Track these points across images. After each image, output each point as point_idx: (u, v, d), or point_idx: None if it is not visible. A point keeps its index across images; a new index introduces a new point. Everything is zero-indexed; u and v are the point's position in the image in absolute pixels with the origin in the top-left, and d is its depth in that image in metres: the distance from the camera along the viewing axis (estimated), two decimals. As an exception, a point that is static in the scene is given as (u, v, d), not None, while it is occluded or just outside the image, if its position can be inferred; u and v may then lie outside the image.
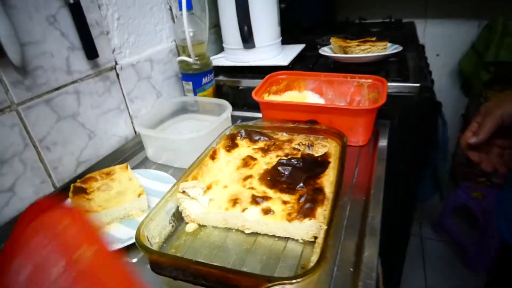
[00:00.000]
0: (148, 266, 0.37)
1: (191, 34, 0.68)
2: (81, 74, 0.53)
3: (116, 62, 0.61)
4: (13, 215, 0.45)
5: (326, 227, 0.36)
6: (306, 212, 0.41)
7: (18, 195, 0.46)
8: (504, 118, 0.43)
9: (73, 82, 0.52)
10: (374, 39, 0.74)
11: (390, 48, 0.72)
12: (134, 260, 0.41)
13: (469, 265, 1.28)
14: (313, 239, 0.40)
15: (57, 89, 0.50)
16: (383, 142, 0.62)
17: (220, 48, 0.87)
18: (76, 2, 0.49)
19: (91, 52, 0.53)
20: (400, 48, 0.71)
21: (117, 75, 0.61)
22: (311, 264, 0.32)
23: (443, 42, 1.51)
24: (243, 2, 0.70)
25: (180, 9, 0.65)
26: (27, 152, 0.46)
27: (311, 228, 0.40)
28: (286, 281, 0.30)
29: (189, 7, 0.67)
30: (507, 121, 0.43)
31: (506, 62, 1.23)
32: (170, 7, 0.73)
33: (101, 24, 0.56)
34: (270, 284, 0.29)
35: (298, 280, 0.30)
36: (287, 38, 1.08)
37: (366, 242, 0.40)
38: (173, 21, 0.75)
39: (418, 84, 0.65)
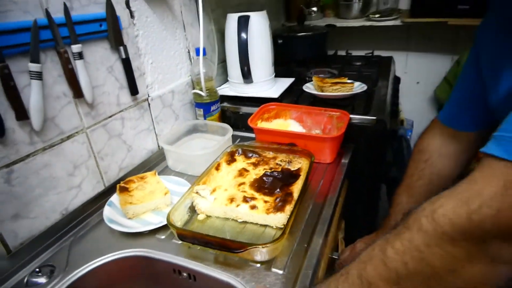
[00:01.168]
0: (173, 240, 0.58)
1: (204, 73, 0.89)
2: (125, 105, 0.74)
3: (148, 95, 0.82)
4: (79, 204, 0.66)
5: (288, 217, 0.56)
6: (279, 208, 0.61)
7: (83, 190, 0.67)
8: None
9: (120, 111, 0.73)
10: (345, 79, 0.95)
11: (356, 88, 0.93)
12: (163, 237, 0.61)
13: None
14: (282, 227, 0.60)
15: (110, 116, 0.71)
16: (345, 161, 0.82)
17: (226, 79, 1.08)
18: (127, 57, 0.70)
19: (134, 90, 0.74)
20: (364, 88, 0.92)
21: (149, 104, 0.82)
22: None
23: (422, 72, 1.73)
24: (244, 47, 0.92)
25: (197, 55, 0.87)
26: (90, 161, 0.67)
27: (281, 219, 0.60)
28: (259, 245, 0.50)
29: (204, 53, 0.88)
30: None
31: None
32: (189, 50, 0.95)
33: (140, 68, 0.78)
34: (249, 247, 0.49)
35: (266, 245, 0.50)
36: (283, 69, 1.30)
37: (318, 229, 0.60)
38: (190, 61, 0.96)
39: (375, 117, 0.85)
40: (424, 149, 0.73)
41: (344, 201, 0.86)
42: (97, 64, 0.66)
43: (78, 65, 0.60)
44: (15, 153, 0.53)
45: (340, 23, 1.52)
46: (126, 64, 0.71)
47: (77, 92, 0.61)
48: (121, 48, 0.69)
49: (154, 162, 0.85)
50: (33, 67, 0.52)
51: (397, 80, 1.39)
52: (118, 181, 0.71)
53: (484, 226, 0.26)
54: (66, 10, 0.56)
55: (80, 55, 0.59)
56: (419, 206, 0.32)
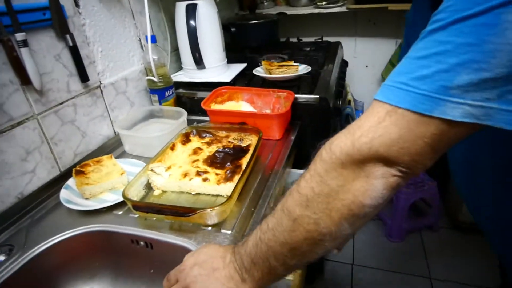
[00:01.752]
0: (130, 214, 0.62)
1: (156, 60, 0.92)
2: (76, 93, 0.76)
3: (100, 82, 0.84)
4: (34, 189, 0.68)
5: (235, 184, 0.63)
6: (228, 178, 0.67)
7: (37, 175, 0.68)
8: None
9: (71, 98, 0.75)
10: (291, 62, 1.02)
11: (301, 70, 1.00)
12: (120, 212, 0.65)
13: (388, 235, 1.60)
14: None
15: (61, 103, 0.73)
16: (293, 137, 0.89)
17: (180, 67, 1.12)
18: (74, 44, 0.72)
19: (83, 77, 0.76)
20: (308, 69, 1.00)
21: (101, 91, 0.84)
22: (223, 202, 0.58)
23: (370, 56, 1.85)
24: (193, 34, 0.95)
25: (147, 42, 0.90)
26: (43, 146, 0.69)
27: (230, 187, 0.66)
28: (207, 208, 0.55)
29: (153, 41, 0.91)
30: None
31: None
32: (140, 39, 0.97)
33: (90, 56, 0.80)
34: (198, 210, 0.55)
35: (214, 208, 0.56)
36: (237, 55, 1.35)
37: (263, 195, 0.66)
38: (142, 49, 0.98)
39: (318, 96, 0.94)
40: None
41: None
42: (43, 52, 0.67)
43: (24, 52, 0.61)
44: (-36, 139, 0.54)
45: (291, 11, 1.59)
46: (74, 52, 0.73)
47: (24, 79, 0.62)
48: (67, 36, 0.71)
49: (111, 148, 0.87)
50: (-24, 54, 0.53)
51: (344, 63, 1.49)
52: (75, 165, 0.73)
53: (362, 151, 0.34)
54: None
55: (24, 43, 0.61)
56: (319, 151, 0.40)
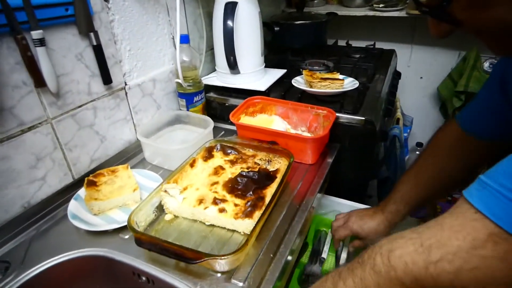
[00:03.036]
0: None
1: (187, 62, 0.84)
2: (98, 95, 0.71)
3: (125, 83, 0.78)
4: (43, 197, 0.64)
5: (255, 224, 0.54)
6: (247, 213, 0.58)
7: (47, 183, 0.64)
8: (355, 234, 0.75)
9: (92, 101, 0.70)
10: (337, 75, 0.90)
11: (347, 85, 0.88)
12: (126, 237, 0.59)
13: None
14: (249, 233, 0.57)
15: (80, 106, 0.67)
16: (329, 161, 0.78)
17: (214, 68, 1.03)
18: (98, 43, 0.66)
19: (107, 79, 0.70)
20: (355, 86, 0.87)
21: (126, 93, 0.78)
22: (237, 248, 0.49)
23: (426, 66, 1.65)
24: (229, 36, 0.86)
25: (181, 42, 0.82)
26: (55, 153, 0.64)
27: (248, 225, 0.57)
28: (217, 257, 0.47)
29: (186, 41, 0.84)
30: (356, 234, 0.75)
31: (474, 93, 1.36)
32: (173, 37, 0.90)
33: (116, 55, 0.74)
34: (206, 258, 0.47)
35: (225, 257, 0.47)
36: (278, 57, 1.25)
37: (284, 241, 0.57)
38: (175, 47, 0.91)
39: (363, 118, 0.81)
40: (436, 145, 0.73)
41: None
42: (63, 51, 0.62)
43: (39, 52, 0.56)
44: (-34, 146, 0.50)
45: (342, 11, 1.45)
46: (98, 51, 0.67)
47: (39, 81, 0.57)
48: (92, 34, 0.65)
49: (132, 153, 0.82)
50: (-16, 54, 0.48)
51: (397, 75, 1.33)
52: (90, 173, 0.68)
53: (439, 280, 0.23)
54: (23, -8, 0.52)
55: (41, 42, 0.55)
56: (377, 242, 0.29)
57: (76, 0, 0.60)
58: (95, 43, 0.66)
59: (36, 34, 0.54)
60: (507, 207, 0.22)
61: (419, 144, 1.50)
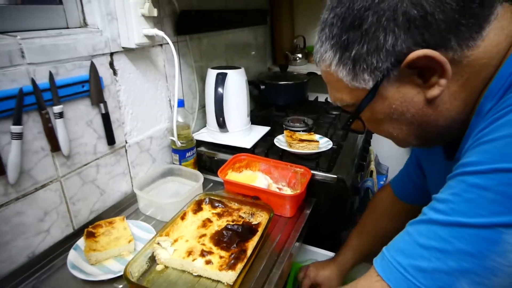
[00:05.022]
0: (129, 290, 0.62)
1: (181, 123, 0.96)
2: (102, 154, 0.80)
3: (126, 142, 0.88)
4: (45, 248, 0.70)
5: (237, 275, 0.61)
6: (231, 266, 0.66)
7: (51, 234, 0.71)
8: (313, 281, 0.84)
9: (96, 159, 0.79)
10: (313, 136, 1.03)
11: (322, 146, 1.00)
12: (120, 286, 0.65)
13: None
14: (232, 284, 0.65)
15: (86, 164, 0.77)
16: (306, 213, 0.88)
17: (205, 124, 1.15)
18: (106, 112, 0.77)
19: (111, 140, 0.80)
20: (329, 146, 1.00)
21: (126, 150, 0.88)
22: (221, 299, 0.57)
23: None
24: (219, 101, 0.99)
25: (178, 105, 0.94)
26: (61, 206, 0.72)
27: (231, 276, 0.64)
28: (202, 307, 0.54)
29: (181, 105, 0.96)
30: (314, 282, 0.85)
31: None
32: (170, 99, 1.02)
33: (120, 119, 0.84)
34: (193, 307, 0.54)
35: (209, 306, 0.55)
36: (264, 113, 1.38)
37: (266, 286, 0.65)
38: (171, 108, 1.03)
39: (336, 176, 0.92)
40: (374, 207, 0.87)
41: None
42: (77, 119, 0.72)
43: (58, 123, 0.66)
44: (-11, 205, 0.58)
45: (322, 72, 1.62)
46: (105, 118, 0.78)
47: (55, 147, 0.67)
48: (101, 104, 0.76)
49: (127, 204, 0.90)
50: (15, 129, 0.58)
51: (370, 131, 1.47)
52: (89, 223, 0.76)
53: None
54: (51, 77, 0.63)
55: (60, 115, 0.66)
56: None
57: (91, 78, 0.72)
58: (103, 112, 0.77)
59: (57, 109, 0.65)
60: (395, 273, 0.33)
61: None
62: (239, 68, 1.03)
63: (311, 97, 1.66)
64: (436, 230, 0.32)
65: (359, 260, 0.84)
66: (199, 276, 0.68)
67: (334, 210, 0.95)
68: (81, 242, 0.73)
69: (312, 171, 0.92)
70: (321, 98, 1.64)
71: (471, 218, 0.30)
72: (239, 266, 0.66)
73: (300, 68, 1.73)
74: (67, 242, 0.74)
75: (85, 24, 0.76)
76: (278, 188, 0.93)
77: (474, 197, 0.31)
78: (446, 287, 0.30)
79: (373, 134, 1.51)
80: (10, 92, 0.57)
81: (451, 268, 0.29)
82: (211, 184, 1.02)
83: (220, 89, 0.98)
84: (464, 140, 0.39)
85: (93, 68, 0.72)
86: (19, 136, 0.59)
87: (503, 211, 0.28)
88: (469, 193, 0.31)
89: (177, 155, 0.99)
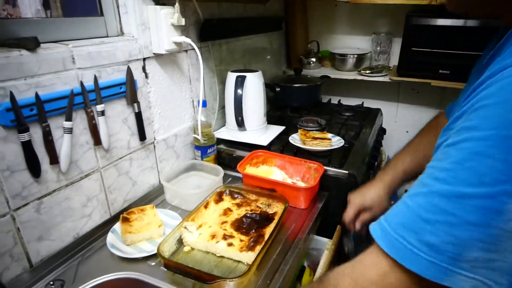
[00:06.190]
0: (161, 267, 0.71)
1: (203, 122, 1.05)
2: (134, 149, 0.90)
3: (155, 138, 0.97)
4: (88, 230, 0.80)
5: (256, 255, 0.69)
6: (250, 247, 0.74)
7: (92, 218, 0.81)
8: (360, 208, 0.77)
9: (129, 153, 0.89)
10: (326, 135, 1.10)
11: (334, 143, 1.07)
12: (153, 263, 0.74)
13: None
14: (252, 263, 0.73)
15: (121, 158, 0.86)
16: (319, 206, 0.95)
17: (224, 123, 1.24)
18: (139, 111, 0.87)
19: (142, 136, 0.90)
20: (341, 144, 1.06)
21: (154, 146, 0.97)
22: (242, 273, 0.65)
23: (411, 122, 1.86)
24: (239, 102, 1.07)
25: (199, 105, 1.03)
26: (100, 194, 0.82)
27: (251, 257, 0.72)
28: (227, 279, 0.62)
29: (204, 105, 1.05)
30: (362, 209, 0.78)
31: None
32: (193, 100, 1.11)
33: (150, 118, 0.94)
34: (219, 280, 0.62)
35: (233, 279, 0.63)
36: (279, 114, 1.46)
37: (280, 268, 0.72)
38: (194, 109, 1.12)
39: (347, 172, 0.99)
40: (428, 130, 0.85)
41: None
42: (115, 117, 0.82)
43: (100, 120, 0.76)
44: (45, 189, 0.68)
45: (335, 74, 1.69)
46: (138, 116, 0.87)
47: (97, 141, 0.76)
48: (135, 104, 0.85)
49: (155, 195, 0.99)
50: (67, 124, 0.68)
51: (382, 131, 1.53)
52: (122, 211, 0.85)
53: None
54: (96, 80, 0.73)
55: (102, 113, 0.75)
56: (331, 275, 0.43)
57: (127, 81, 0.82)
58: (137, 111, 0.86)
59: (100, 107, 0.75)
60: (402, 249, 0.34)
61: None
62: (257, 71, 1.11)
63: (325, 99, 1.72)
64: (439, 203, 0.32)
65: (405, 179, 0.80)
66: (222, 257, 0.76)
67: (345, 204, 1.01)
68: (117, 226, 0.82)
69: (325, 167, 0.99)
70: (334, 100, 1.71)
71: (474, 187, 0.29)
72: (258, 248, 0.73)
73: (314, 71, 1.79)
74: (105, 226, 0.83)
75: (122, 33, 0.86)
76: (292, 182, 1.00)
77: (476, 165, 0.30)
78: (455, 257, 0.30)
79: (384, 135, 1.56)
80: (63, 93, 0.67)
81: (459, 239, 0.30)
82: (230, 178, 1.10)
83: (239, 91, 1.06)
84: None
85: (129, 72, 0.81)
86: (70, 130, 0.69)
87: (506, 180, 0.28)
88: (471, 161, 0.30)
89: (199, 151, 1.08)
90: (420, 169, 0.82)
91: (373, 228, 0.39)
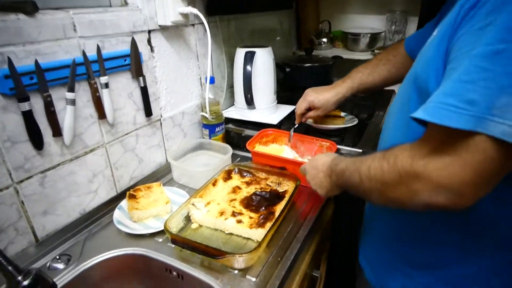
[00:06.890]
0: (168, 243, 0.69)
1: (211, 99, 1.01)
2: (140, 125, 0.87)
3: (161, 115, 0.95)
4: (94, 206, 0.78)
5: (266, 232, 0.66)
6: (260, 224, 0.71)
7: (98, 195, 0.79)
8: (311, 104, 0.92)
9: (135, 130, 0.86)
10: (339, 113, 1.05)
11: (347, 122, 1.03)
12: (160, 240, 0.72)
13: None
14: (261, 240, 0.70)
15: (127, 134, 0.84)
16: (330, 186, 0.91)
17: (233, 103, 1.20)
18: (145, 85, 0.84)
19: (148, 112, 0.87)
20: (354, 122, 1.02)
21: (161, 124, 0.95)
22: (251, 249, 0.62)
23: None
24: (248, 78, 1.03)
25: (206, 82, 1.00)
26: (106, 170, 0.80)
27: (261, 233, 0.69)
28: (236, 254, 0.60)
29: (212, 82, 1.01)
30: (312, 106, 0.92)
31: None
32: (200, 78, 1.08)
33: (156, 93, 0.91)
34: (227, 255, 0.60)
35: (242, 255, 0.60)
36: (289, 94, 1.42)
37: (292, 246, 0.69)
38: (201, 86, 1.09)
39: (361, 150, 0.95)
40: (386, 57, 0.90)
41: (331, 225, 0.95)
42: (119, 91, 0.79)
43: (104, 93, 0.73)
44: (49, 162, 0.66)
45: (347, 55, 1.63)
46: (144, 91, 0.84)
47: (101, 114, 0.74)
48: (141, 78, 0.82)
49: (162, 174, 0.97)
50: (69, 95, 0.65)
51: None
52: (128, 189, 0.83)
53: (417, 172, 0.41)
54: (99, 50, 0.70)
55: (106, 85, 0.73)
56: (394, 149, 0.47)
57: (132, 53, 0.78)
58: (142, 85, 0.83)
59: (104, 79, 0.72)
60: (447, 113, 0.37)
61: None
62: (267, 46, 1.07)
63: (335, 80, 1.66)
64: (480, 64, 0.36)
65: (355, 91, 0.91)
66: (231, 234, 0.73)
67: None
68: (124, 203, 0.81)
69: (338, 145, 0.95)
70: (346, 81, 1.65)
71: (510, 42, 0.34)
72: (268, 224, 0.70)
73: (325, 52, 1.74)
74: (112, 203, 0.82)
75: (125, 3, 0.82)
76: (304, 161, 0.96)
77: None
78: (489, 105, 0.35)
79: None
80: (65, 62, 0.64)
81: (493, 90, 0.35)
82: (239, 158, 1.07)
83: (248, 67, 1.02)
84: None
85: (133, 44, 0.78)
86: (72, 102, 0.66)
87: None
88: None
89: (207, 129, 1.05)
90: (374, 86, 0.90)
91: (416, 114, 0.40)
